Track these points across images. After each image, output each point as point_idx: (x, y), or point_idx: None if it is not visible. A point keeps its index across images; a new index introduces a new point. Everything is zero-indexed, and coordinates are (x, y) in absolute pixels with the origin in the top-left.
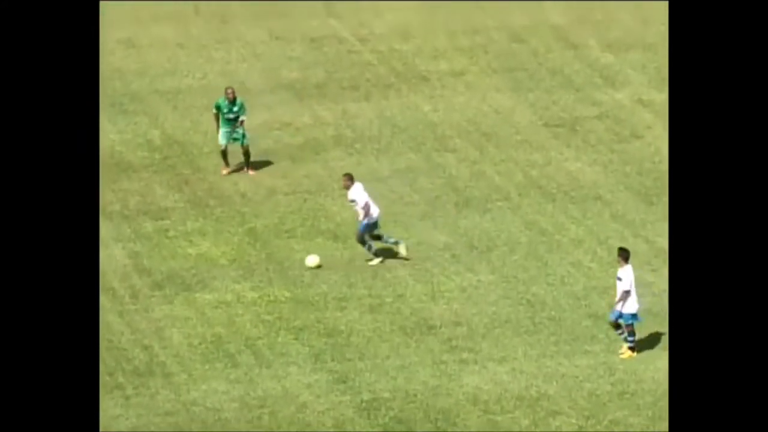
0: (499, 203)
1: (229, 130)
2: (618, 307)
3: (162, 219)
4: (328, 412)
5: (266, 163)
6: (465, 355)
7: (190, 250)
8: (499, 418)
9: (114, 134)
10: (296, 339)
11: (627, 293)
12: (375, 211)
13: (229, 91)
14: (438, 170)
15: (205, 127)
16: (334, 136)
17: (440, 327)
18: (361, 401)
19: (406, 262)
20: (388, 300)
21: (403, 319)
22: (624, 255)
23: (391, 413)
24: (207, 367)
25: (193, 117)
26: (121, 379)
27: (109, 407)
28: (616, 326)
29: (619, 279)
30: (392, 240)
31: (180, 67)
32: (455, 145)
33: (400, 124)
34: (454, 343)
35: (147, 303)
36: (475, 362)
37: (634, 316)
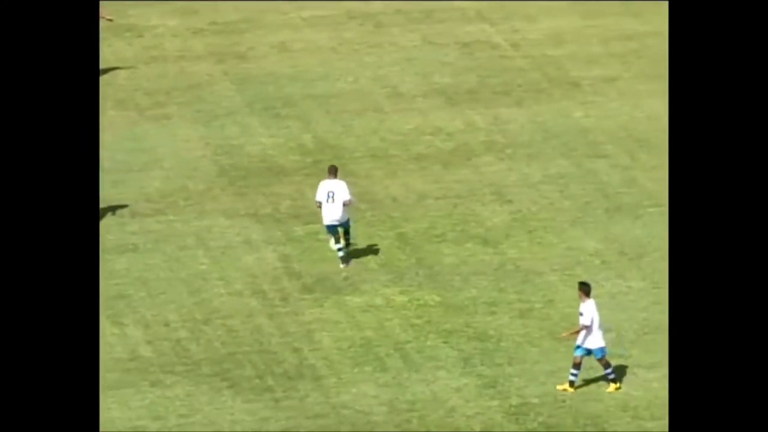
0: (651, 209)
1: None
2: (580, 342)
3: (313, 223)
4: (477, 416)
5: (418, 168)
6: (614, 361)
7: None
8: (649, 425)
9: (266, 138)
10: (445, 343)
11: (587, 328)
12: (325, 216)
13: None
14: (589, 176)
15: (357, 131)
16: (485, 141)
17: None
18: (510, 406)
19: (557, 267)
20: (538, 305)
21: (553, 324)
22: (585, 290)
23: (540, 418)
24: (356, 370)
25: (345, 121)
26: (270, 382)
27: (258, 409)
28: (576, 365)
29: (581, 314)
30: (338, 247)
31: (333, 72)
32: (607, 151)
33: (552, 129)
34: None
35: (297, 306)
36: (625, 368)
37: (602, 349)
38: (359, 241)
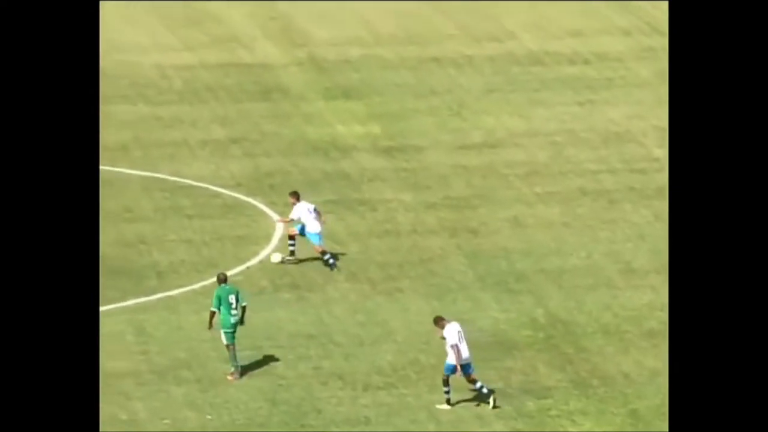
0: None
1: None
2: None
3: (545, 398)
4: None
5: (650, 345)
6: None
7: (571, 430)
8: None
9: (498, 313)
10: None
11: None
12: (462, 355)
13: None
14: None
15: (590, 307)
16: None
17: None
18: None
19: None
20: None
21: None
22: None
23: None
24: None
25: (578, 297)
26: None
27: None
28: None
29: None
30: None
31: (565, 247)
32: None
33: None
34: None
35: None
36: None
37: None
38: (591, 418)
